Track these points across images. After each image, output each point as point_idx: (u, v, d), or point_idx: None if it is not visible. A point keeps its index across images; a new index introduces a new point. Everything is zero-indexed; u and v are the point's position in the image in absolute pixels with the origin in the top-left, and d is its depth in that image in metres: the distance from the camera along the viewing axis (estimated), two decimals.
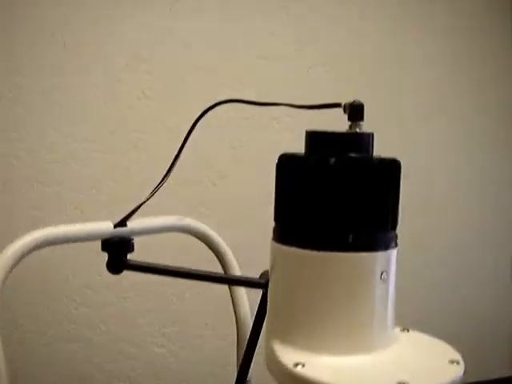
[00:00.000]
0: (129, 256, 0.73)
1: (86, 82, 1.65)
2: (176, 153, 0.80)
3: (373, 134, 0.54)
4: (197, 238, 0.81)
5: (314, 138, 0.55)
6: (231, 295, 0.80)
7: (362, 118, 0.54)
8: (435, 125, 2.04)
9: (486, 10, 2.08)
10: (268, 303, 0.56)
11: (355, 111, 0.54)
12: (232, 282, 0.79)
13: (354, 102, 0.54)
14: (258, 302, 0.67)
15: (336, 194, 0.50)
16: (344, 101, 0.55)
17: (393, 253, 0.53)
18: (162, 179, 0.77)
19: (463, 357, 0.52)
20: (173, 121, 1.71)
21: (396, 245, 0.53)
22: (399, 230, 0.54)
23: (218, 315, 1.72)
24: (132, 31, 1.68)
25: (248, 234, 1.73)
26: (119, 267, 0.71)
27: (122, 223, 0.72)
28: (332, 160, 0.50)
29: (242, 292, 0.80)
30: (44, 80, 1.62)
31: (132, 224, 0.73)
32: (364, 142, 0.54)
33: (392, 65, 1.98)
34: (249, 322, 0.80)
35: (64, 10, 1.61)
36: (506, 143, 2.14)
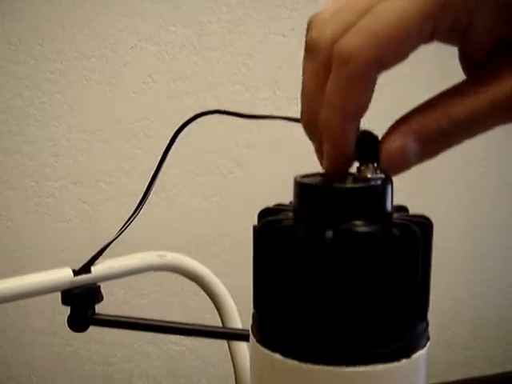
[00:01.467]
0: (99, 306, 0.62)
1: (87, 68, 1.53)
2: (153, 172, 0.67)
3: (391, 182, 0.36)
4: (185, 277, 0.69)
5: (306, 193, 0.37)
6: (229, 347, 0.69)
7: (375, 159, 0.36)
8: None
9: None
10: None
11: (365, 147, 0.36)
12: (227, 336, 0.66)
13: (364, 133, 0.36)
14: None
15: (336, 283, 0.34)
16: None
17: (422, 357, 0.36)
18: (135, 210, 0.65)
19: None
20: (183, 105, 1.59)
21: (427, 341, 0.37)
22: None
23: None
24: (136, 11, 1.55)
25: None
26: (84, 324, 0.60)
27: (85, 269, 0.61)
28: (329, 234, 0.33)
29: (241, 345, 0.67)
30: (43, 68, 1.50)
31: (98, 268, 0.62)
32: (378, 197, 0.36)
33: None
34: (248, 380, 0.68)
35: None
36: None
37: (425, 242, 0.35)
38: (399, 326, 0.34)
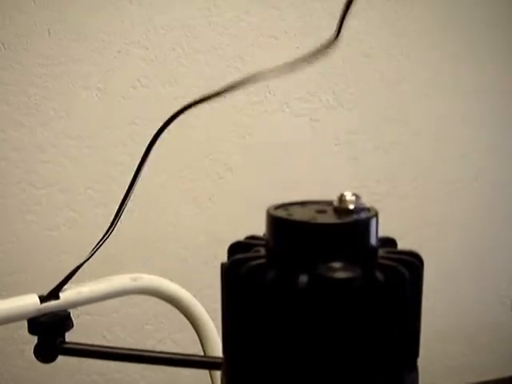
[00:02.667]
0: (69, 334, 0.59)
1: (74, 73, 1.50)
2: (127, 188, 0.64)
3: (376, 215, 0.32)
4: (163, 300, 0.65)
5: (279, 228, 0.32)
6: (210, 376, 0.65)
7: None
8: None
9: None
10: None
11: None
12: (208, 365, 0.63)
13: None
14: None
15: (310, 335, 0.29)
16: None
17: None
18: (107, 232, 0.62)
19: None
20: (173, 110, 1.55)
21: None
22: None
23: None
24: (124, 15, 1.51)
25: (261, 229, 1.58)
26: (51, 354, 0.57)
27: (53, 295, 0.58)
28: (303, 280, 0.29)
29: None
30: (29, 72, 1.47)
31: (67, 294, 0.59)
32: (361, 234, 0.31)
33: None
34: None
35: None
36: None
37: (413, 285, 0.31)
38: (383, 382, 0.30)
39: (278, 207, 0.35)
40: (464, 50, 1.81)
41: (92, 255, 0.60)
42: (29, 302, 0.57)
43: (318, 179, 1.66)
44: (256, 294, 0.30)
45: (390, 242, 0.36)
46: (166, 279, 0.67)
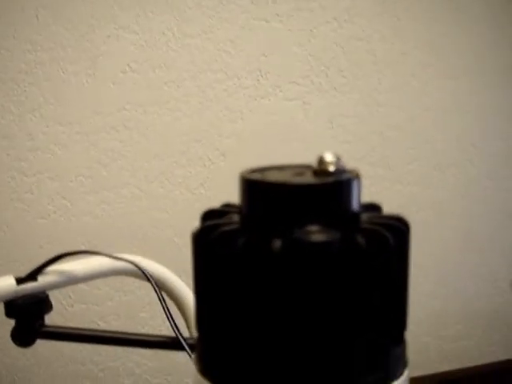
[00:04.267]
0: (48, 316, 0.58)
1: (64, 59, 1.48)
2: None
3: (358, 177, 0.29)
4: (146, 281, 0.64)
5: (252, 191, 0.30)
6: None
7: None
8: None
9: None
10: None
11: None
12: (193, 347, 0.62)
13: None
14: None
15: (284, 305, 0.27)
16: None
17: None
18: None
19: None
20: (163, 95, 1.54)
21: (404, 367, 0.30)
22: None
23: None
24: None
25: None
26: (29, 338, 0.55)
27: (31, 277, 0.56)
28: (276, 245, 0.26)
29: None
30: (17, 59, 1.45)
31: (45, 276, 0.57)
32: (341, 196, 0.29)
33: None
34: None
35: None
36: None
37: (399, 251, 0.29)
38: (366, 356, 0.28)
39: (253, 171, 0.33)
40: (459, 31, 1.79)
41: (76, 253, 0.58)
42: (5, 283, 0.56)
43: (310, 163, 1.64)
44: (227, 262, 0.28)
45: (374, 208, 0.34)
46: (146, 259, 0.66)
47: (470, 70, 1.80)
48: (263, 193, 0.30)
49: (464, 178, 1.85)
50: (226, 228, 0.29)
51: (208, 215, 0.34)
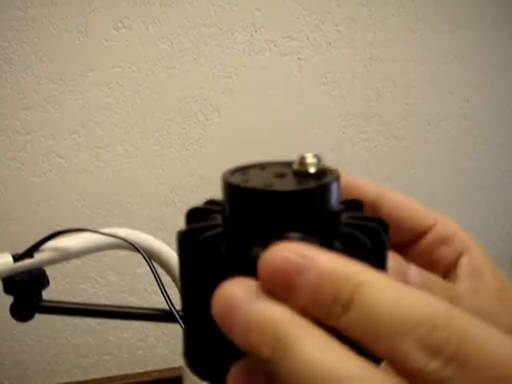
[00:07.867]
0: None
1: (55, 15, 1.46)
2: None
3: (337, 179, 0.30)
4: (142, 254, 0.65)
5: (234, 196, 0.30)
6: None
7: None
8: None
9: None
10: None
11: None
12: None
13: None
14: None
15: None
16: None
17: None
18: None
19: None
20: (157, 51, 1.53)
21: None
22: None
23: None
24: None
25: None
26: (27, 313, 0.57)
27: (28, 254, 0.58)
28: (256, 251, 0.27)
29: None
30: (7, 16, 1.44)
31: (41, 252, 0.58)
32: (320, 201, 0.29)
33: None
34: None
35: None
36: None
37: (376, 254, 0.30)
38: None
39: (235, 171, 0.33)
40: None
41: (70, 231, 0.59)
42: (1, 261, 0.57)
43: (305, 118, 1.64)
44: (211, 266, 0.29)
45: (355, 206, 0.35)
46: (142, 233, 0.67)
47: (466, 23, 1.78)
48: (244, 199, 0.30)
49: (457, 132, 1.85)
50: (209, 233, 0.30)
51: (192, 215, 0.35)
